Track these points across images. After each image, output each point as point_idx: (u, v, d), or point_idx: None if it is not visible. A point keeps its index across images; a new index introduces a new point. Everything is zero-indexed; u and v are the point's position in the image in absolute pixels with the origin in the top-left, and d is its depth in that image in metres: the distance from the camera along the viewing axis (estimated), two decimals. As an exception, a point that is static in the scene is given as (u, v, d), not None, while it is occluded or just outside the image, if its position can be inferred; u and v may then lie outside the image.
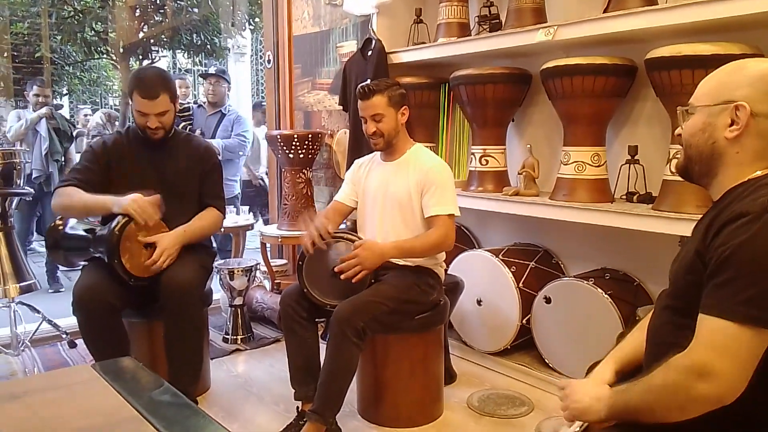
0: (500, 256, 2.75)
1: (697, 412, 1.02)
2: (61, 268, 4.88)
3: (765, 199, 1.03)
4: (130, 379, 1.08)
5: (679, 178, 2.03)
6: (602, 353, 1.41)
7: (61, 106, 5.39)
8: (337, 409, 2.07)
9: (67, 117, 7.01)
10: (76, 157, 5.06)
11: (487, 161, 2.80)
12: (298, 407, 2.22)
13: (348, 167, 2.69)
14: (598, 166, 2.42)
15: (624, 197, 2.42)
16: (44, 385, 1.06)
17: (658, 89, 2.21)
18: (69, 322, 3.12)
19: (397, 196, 2.26)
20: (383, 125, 2.25)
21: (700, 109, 1.18)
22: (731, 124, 1.13)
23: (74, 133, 5.29)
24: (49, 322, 3.11)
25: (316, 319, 2.28)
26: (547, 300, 2.56)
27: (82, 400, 0.99)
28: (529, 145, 2.71)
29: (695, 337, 1.02)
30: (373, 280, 2.21)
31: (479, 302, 2.81)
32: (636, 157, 2.38)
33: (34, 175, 4.72)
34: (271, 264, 3.64)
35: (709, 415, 1.01)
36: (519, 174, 2.68)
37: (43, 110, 4.82)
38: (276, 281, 3.60)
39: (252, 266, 3.23)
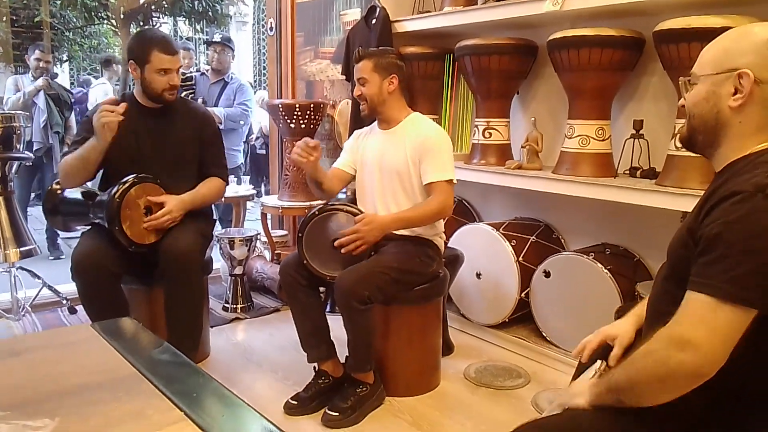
0: (501, 230, 2.74)
1: (677, 387, 1.01)
2: (61, 235, 4.88)
3: (758, 179, 1.01)
4: (129, 339, 1.08)
5: (684, 153, 2.05)
6: (599, 327, 1.41)
7: (56, 75, 5.26)
8: (372, 362, 2.19)
9: (67, 85, 6.93)
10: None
11: (490, 134, 2.77)
12: (315, 367, 2.27)
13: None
14: (603, 140, 2.40)
15: (627, 172, 2.41)
16: (43, 343, 1.06)
17: (666, 63, 2.18)
18: (69, 288, 3.13)
19: (394, 166, 2.26)
20: (366, 90, 2.26)
21: (704, 78, 1.15)
22: (735, 93, 1.10)
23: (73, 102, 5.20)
24: (50, 287, 3.12)
25: (318, 287, 2.29)
26: (547, 274, 2.56)
27: (81, 358, 0.99)
28: (533, 118, 2.69)
29: (679, 311, 1.02)
30: (372, 252, 2.21)
31: (478, 275, 2.81)
32: (641, 132, 2.36)
33: (34, 147, 4.66)
34: (272, 235, 3.64)
35: (692, 394, 1.01)
36: (522, 147, 2.66)
37: (40, 81, 4.72)
38: (276, 252, 3.60)
39: (252, 236, 3.23)
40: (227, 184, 2.59)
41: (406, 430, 2.09)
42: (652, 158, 2.34)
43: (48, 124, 4.70)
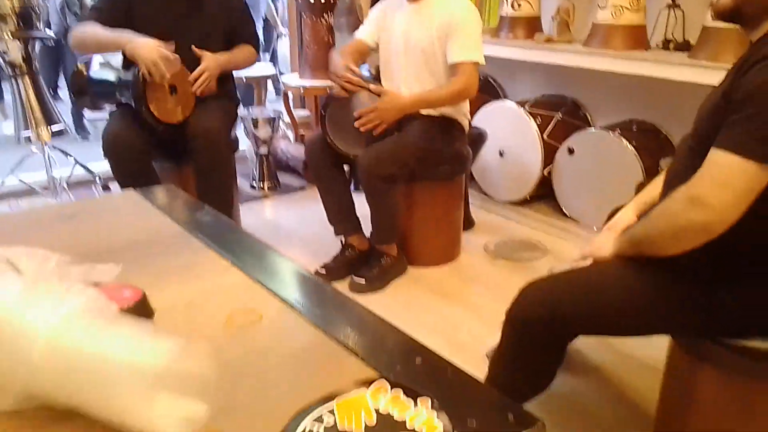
0: (526, 108, 2.71)
1: (689, 241, 1.05)
2: (86, 116, 4.93)
3: None
4: (173, 204, 1.15)
5: (721, 25, 1.96)
6: (620, 203, 1.44)
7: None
8: (395, 235, 2.29)
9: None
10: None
11: (519, 5, 2.65)
12: (341, 241, 2.38)
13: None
14: (637, 11, 2.29)
15: (660, 45, 2.32)
16: (93, 208, 1.14)
17: None
18: (100, 167, 3.23)
19: (420, 44, 2.19)
20: None
21: None
22: None
23: None
24: (82, 166, 3.21)
25: (342, 165, 2.34)
26: (571, 151, 2.56)
27: (131, 220, 1.07)
28: (565, -13, 2.56)
29: (700, 169, 1.03)
30: (396, 130, 2.21)
31: (501, 154, 2.82)
32: (677, 2, 2.24)
33: (53, 29, 4.57)
34: (294, 115, 3.64)
35: (708, 251, 1.04)
36: (553, 19, 2.55)
37: None
38: (299, 132, 3.62)
39: (275, 116, 3.25)
40: (258, 53, 2.57)
41: (427, 297, 2.22)
42: (687, 30, 2.25)
43: (65, 5, 4.58)
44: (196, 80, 2.28)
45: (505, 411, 0.61)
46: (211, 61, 2.30)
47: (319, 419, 0.58)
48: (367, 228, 2.35)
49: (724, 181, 0.99)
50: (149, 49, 2.13)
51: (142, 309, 0.71)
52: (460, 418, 0.58)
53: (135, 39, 2.15)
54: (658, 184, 1.37)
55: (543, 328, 1.17)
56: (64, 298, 0.55)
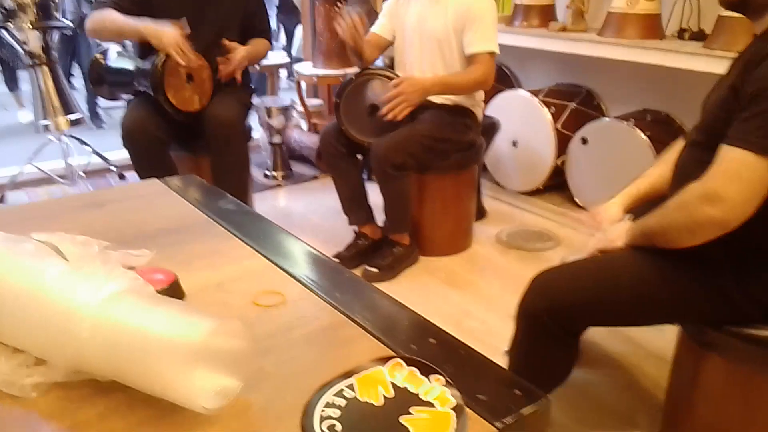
0: (540, 97, 2.72)
1: (704, 235, 1.07)
2: (100, 105, 4.99)
3: None
4: (196, 192, 1.20)
5: (735, 15, 1.95)
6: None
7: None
8: (407, 224, 2.32)
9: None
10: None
11: (533, -7, 2.66)
12: (354, 230, 2.42)
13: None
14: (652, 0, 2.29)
15: (675, 35, 2.32)
16: (122, 196, 1.19)
17: None
18: (116, 156, 3.29)
19: (434, 34, 2.20)
20: None
21: None
22: None
23: None
24: (99, 155, 3.27)
25: (356, 154, 2.37)
26: (584, 141, 2.57)
27: (157, 208, 1.11)
28: (579, -24, 2.56)
29: (713, 165, 1.05)
30: (409, 120, 2.23)
31: (515, 144, 2.84)
32: (693, -9, 2.24)
33: (68, 18, 4.62)
34: (307, 104, 3.66)
35: (719, 242, 1.06)
36: (567, 8, 2.56)
37: None
38: (312, 121, 3.65)
39: (288, 105, 3.28)
40: (271, 45, 2.63)
41: (439, 286, 2.25)
42: (702, 20, 2.25)
43: None
44: (208, 68, 2.31)
45: (513, 386, 0.65)
46: (243, 49, 2.37)
47: (340, 392, 0.62)
48: (380, 218, 2.38)
49: (738, 177, 1.01)
50: (172, 34, 2.18)
51: (175, 291, 0.76)
52: (471, 392, 0.62)
53: (157, 25, 2.20)
54: (654, 170, 1.39)
55: (550, 319, 1.19)
56: (107, 280, 0.59)
